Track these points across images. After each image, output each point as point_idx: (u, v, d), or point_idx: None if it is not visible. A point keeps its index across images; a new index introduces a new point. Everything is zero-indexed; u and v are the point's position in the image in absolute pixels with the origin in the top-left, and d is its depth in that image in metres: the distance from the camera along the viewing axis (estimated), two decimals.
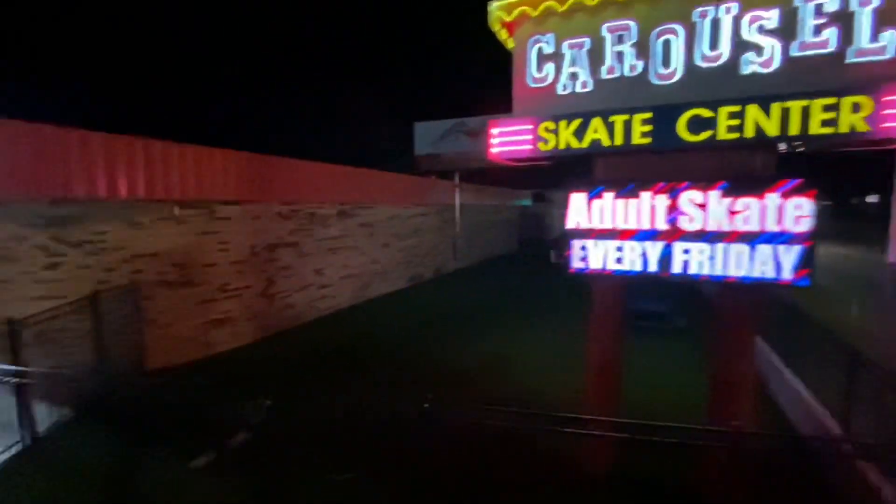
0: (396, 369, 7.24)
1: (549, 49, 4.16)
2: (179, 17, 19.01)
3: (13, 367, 4.15)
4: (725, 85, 3.73)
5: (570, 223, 4.11)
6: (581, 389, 4.67)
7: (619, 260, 3.99)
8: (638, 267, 3.94)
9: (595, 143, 3.95)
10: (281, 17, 23.24)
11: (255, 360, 7.70)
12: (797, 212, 3.43)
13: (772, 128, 3.46)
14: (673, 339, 8.42)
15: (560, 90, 4.15)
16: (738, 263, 3.64)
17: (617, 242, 3.96)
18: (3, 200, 5.94)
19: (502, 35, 4.50)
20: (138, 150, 6.36)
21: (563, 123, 4.01)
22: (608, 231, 3.98)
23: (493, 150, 4.23)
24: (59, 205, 6.48)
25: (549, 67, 4.18)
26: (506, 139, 4.17)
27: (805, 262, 3.45)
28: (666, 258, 3.85)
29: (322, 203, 10.62)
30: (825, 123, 3.32)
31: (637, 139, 3.82)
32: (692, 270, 3.77)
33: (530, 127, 4.11)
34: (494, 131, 4.21)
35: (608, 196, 3.96)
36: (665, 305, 9.13)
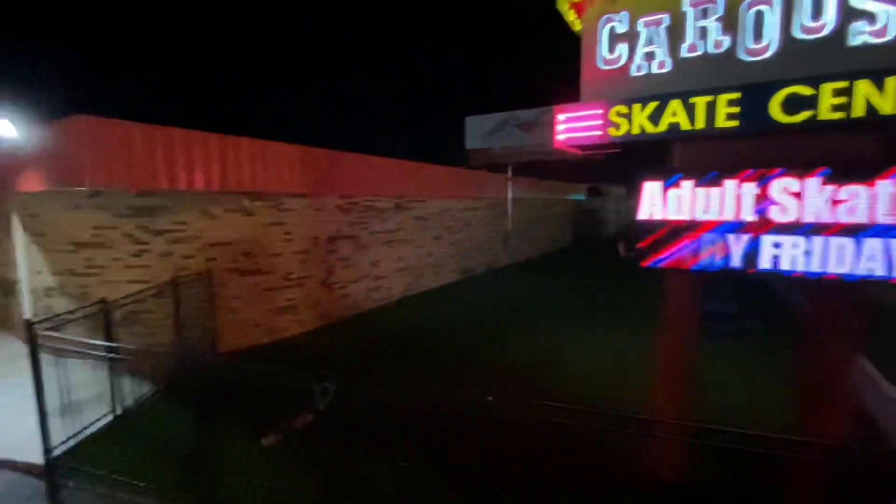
0: (453, 361, 7.24)
1: (622, 28, 3.92)
2: (243, 13, 20.00)
3: (107, 343, 4.54)
4: (828, 59, 3.33)
5: (643, 214, 3.86)
6: (646, 391, 4.41)
7: (696, 253, 3.71)
8: (719, 262, 3.63)
9: (673, 128, 3.67)
10: (334, 16, 23.92)
11: (318, 347, 8.00)
12: None
13: (887, 105, 3.05)
14: (745, 342, 7.80)
15: (634, 72, 3.91)
16: (839, 259, 3.26)
17: (696, 234, 3.68)
18: (104, 191, 6.54)
19: (570, 16, 4.30)
20: (213, 144, 6.76)
21: (636, 107, 3.76)
22: (686, 223, 3.70)
23: (559, 138, 4.05)
24: (145, 196, 7.05)
25: (622, 48, 3.94)
26: (573, 125, 3.98)
27: None
28: (752, 252, 3.52)
29: (379, 196, 10.82)
30: None
31: (721, 122, 3.51)
32: (784, 266, 3.42)
33: (600, 111, 3.89)
34: (561, 117, 4.03)
35: (686, 185, 3.68)
36: (735, 306, 8.46)
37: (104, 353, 4.46)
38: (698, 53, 3.69)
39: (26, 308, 7.62)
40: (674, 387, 4.16)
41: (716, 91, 3.51)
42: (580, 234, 26.70)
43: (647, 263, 3.89)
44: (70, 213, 7.05)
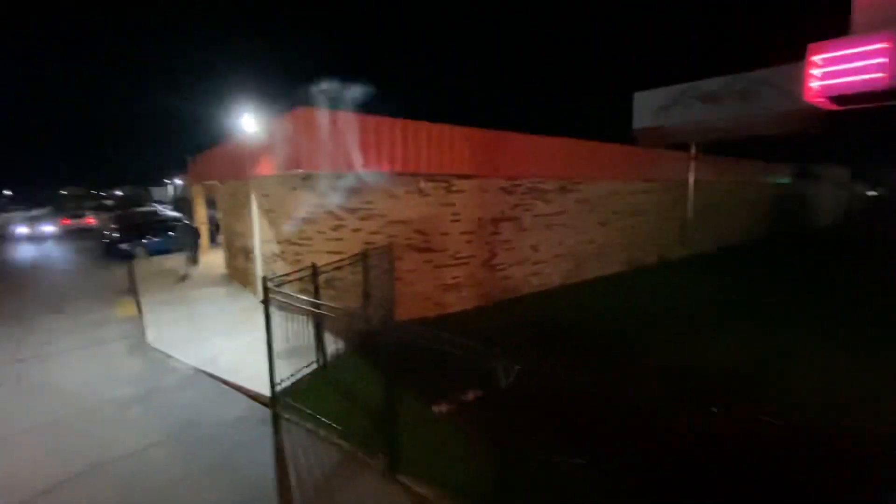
0: (617, 357, 6.59)
1: None
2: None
3: (315, 301, 5.28)
4: None
5: None
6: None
7: None
8: None
9: None
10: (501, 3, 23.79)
11: (480, 325, 8.16)
12: None
13: None
14: None
15: None
16: None
17: None
18: (313, 174, 7.69)
19: None
20: (398, 130, 7.32)
21: None
22: None
23: (814, 86, 3.14)
24: (342, 178, 8.06)
25: None
26: (838, 68, 3.03)
27: None
28: None
29: (543, 178, 10.46)
30: None
31: None
32: None
33: (885, 46, 2.86)
34: (817, 59, 3.11)
35: None
36: None
37: (314, 309, 5.21)
38: None
39: (258, 270, 9.54)
40: None
41: None
42: (780, 225, 21.89)
43: None
44: (290, 193, 8.51)
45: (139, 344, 7.51)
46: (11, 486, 3.96)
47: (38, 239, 24.53)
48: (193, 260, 14.24)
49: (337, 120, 6.63)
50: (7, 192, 54.97)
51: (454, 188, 8.63)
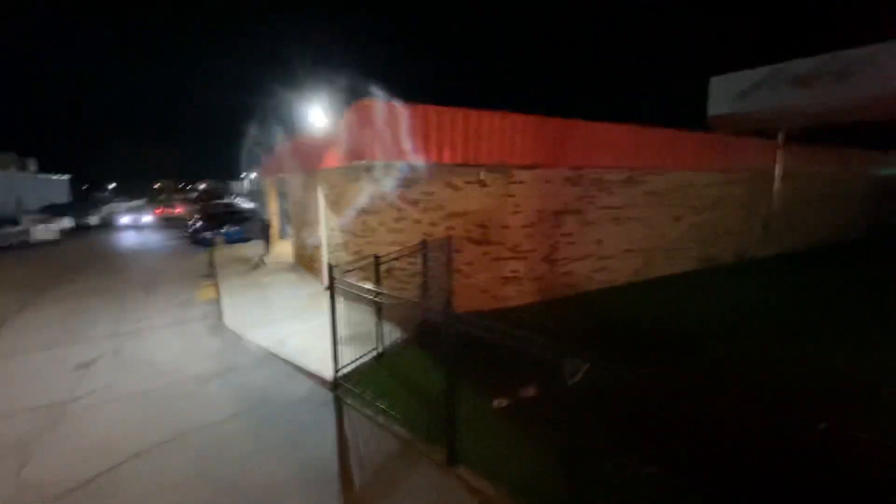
0: (688, 364, 6.10)
1: None
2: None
3: (378, 289, 5.38)
4: None
5: None
6: None
7: None
8: None
9: None
10: None
11: (539, 320, 7.94)
12: None
13: None
14: None
15: None
16: None
17: None
18: (375, 166, 7.83)
19: None
20: (459, 119, 7.25)
21: None
22: None
23: None
24: (403, 169, 8.14)
25: None
26: None
27: None
28: None
29: (609, 168, 9.92)
30: None
31: None
32: None
33: None
34: None
35: None
36: None
37: (376, 297, 5.31)
38: None
39: (324, 259, 9.95)
40: None
41: None
42: (883, 221, 19.26)
43: None
44: (353, 185, 8.77)
45: (217, 325, 8.11)
46: (108, 447, 4.41)
47: (136, 226, 27.40)
48: (265, 249, 15.20)
49: (398, 111, 6.68)
50: (111, 185, 61.97)
51: (515, 179, 8.42)
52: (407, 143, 6.83)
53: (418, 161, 7.06)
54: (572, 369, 3.03)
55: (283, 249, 16.16)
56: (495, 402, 5.09)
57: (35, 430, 4.72)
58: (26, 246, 19.75)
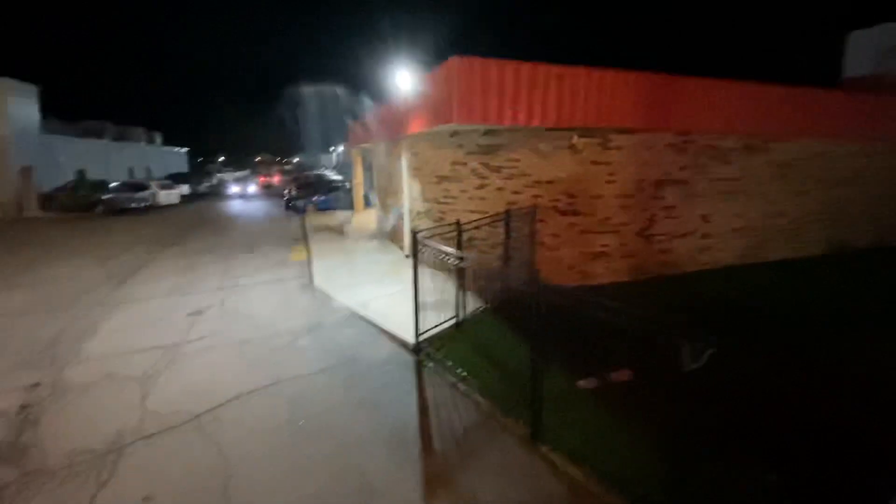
0: (819, 362, 5.18)
1: None
2: None
3: (462, 253, 5.20)
4: None
5: None
6: None
7: None
8: None
9: None
10: None
11: (630, 301, 7.29)
12: None
13: None
14: None
15: None
16: None
17: None
18: (460, 131, 7.56)
19: None
20: (552, 77, 6.68)
21: None
22: None
23: None
24: (489, 135, 7.78)
25: None
26: None
27: None
28: None
29: (724, 134, 8.69)
30: None
31: None
32: None
33: None
34: None
35: None
36: None
37: (459, 262, 5.16)
38: None
39: (406, 226, 10.04)
40: None
41: None
42: None
43: None
44: (436, 151, 8.61)
45: (308, 284, 8.57)
46: (213, 389, 4.82)
47: (241, 194, 30.22)
48: (351, 217, 15.84)
49: (485, 69, 6.28)
50: (220, 158, 68.88)
51: (612, 144, 7.67)
52: (493, 105, 6.45)
53: (505, 124, 6.66)
54: (695, 353, 2.60)
55: (368, 218, 16.73)
56: (582, 383, 4.74)
57: (155, 367, 5.31)
58: (154, 208, 22.67)
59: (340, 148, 43.71)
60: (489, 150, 7.83)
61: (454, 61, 6.25)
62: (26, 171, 21.71)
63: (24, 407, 4.49)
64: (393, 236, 11.95)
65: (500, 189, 7.89)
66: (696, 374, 3.49)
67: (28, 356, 5.66)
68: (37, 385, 4.92)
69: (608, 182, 7.81)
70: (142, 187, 23.24)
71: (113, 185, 22.77)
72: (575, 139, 7.42)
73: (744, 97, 8.61)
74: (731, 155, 8.89)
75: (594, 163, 7.68)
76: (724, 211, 9.14)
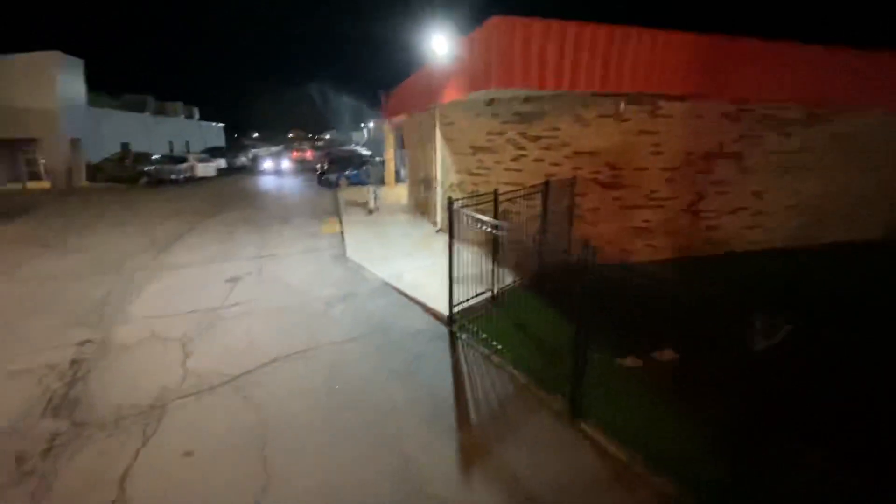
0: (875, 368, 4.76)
1: None
2: None
3: (499, 222, 5.01)
4: None
5: None
6: None
7: None
8: None
9: None
10: None
11: (675, 282, 6.93)
12: None
13: None
14: None
15: None
16: None
17: None
18: (497, 99, 7.23)
19: None
20: (600, 37, 6.22)
21: None
22: None
23: None
24: (528, 102, 7.42)
25: None
26: None
27: None
28: None
29: (784, 102, 7.97)
30: None
31: None
32: None
33: None
34: None
35: None
36: None
37: (495, 231, 4.99)
38: None
39: (438, 199, 9.87)
40: None
41: None
42: None
43: None
44: (471, 121, 8.31)
45: (340, 255, 8.60)
46: (250, 352, 4.89)
47: (275, 168, 30.72)
48: (382, 191, 15.77)
49: (532, 28, 5.89)
50: (255, 134, 70.15)
51: (661, 112, 7.17)
52: (535, 68, 6.08)
53: (547, 89, 6.29)
54: (770, 330, 2.35)
55: (399, 192, 16.64)
56: (625, 361, 4.54)
57: (196, 330, 5.44)
58: (192, 181, 23.35)
59: (371, 124, 43.60)
60: (528, 119, 7.49)
61: (494, 21, 5.90)
62: (75, 143, 22.66)
63: (74, 362, 4.69)
64: (424, 210, 11.81)
65: (537, 160, 7.57)
66: (752, 356, 3.23)
67: (79, 315, 5.91)
68: (87, 342, 5.13)
69: (654, 153, 7.35)
70: (181, 160, 23.91)
71: (155, 157, 23.51)
72: (622, 106, 6.97)
73: (810, 61, 7.82)
74: (791, 126, 8.18)
75: (640, 132, 7.22)
76: (780, 187, 8.49)
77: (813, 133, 8.44)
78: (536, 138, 7.51)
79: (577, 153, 7.34)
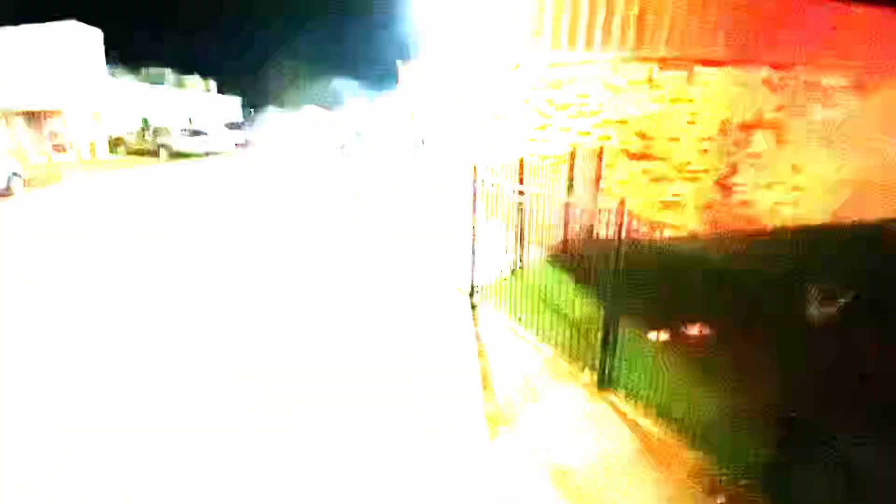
0: None
1: None
2: None
3: (523, 187, 4.84)
4: None
5: None
6: None
7: None
8: None
9: None
10: None
11: (713, 257, 6.64)
12: None
13: None
14: None
15: None
16: None
17: None
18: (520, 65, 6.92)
19: None
20: None
21: None
22: None
23: None
24: (556, 68, 7.08)
25: None
26: None
27: None
28: None
29: (830, 69, 7.46)
30: None
31: None
32: None
33: None
34: None
35: None
36: None
37: (518, 197, 4.83)
38: None
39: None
40: None
41: None
42: None
43: None
44: (495, 88, 8.00)
45: None
46: None
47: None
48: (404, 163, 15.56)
49: None
50: (271, 108, 70.37)
51: (697, 79, 6.78)
52: (565, 30, 5.77)
53: (577, 52, 5.98)
54: (826, 297, 2.18)
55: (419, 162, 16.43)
56: (653, 335, 4.39)
57: None
58: (211, 154, 23.50)
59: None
60: (555, 85, 7.16)
61: None
62: (96, 116, 22.87)
63: None
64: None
65: (564, 129, 7.27)
66: (792, 333, 3.05)
67: None
68: None
69: (689, 123, 6.99)
70: (201, 133, 23.98)
71: (174, 130, 23.63)
72: (656, 72, 6.60)
73: (866, 22, 7.26)
74: (839, 95, 7.68)
75: (674, 100, 6.86)
76: (821, 160, 8.04)
77: (862, 102, 7.92)
78: (564, 106, 7.20)
79: (606, 122, 7.03)
